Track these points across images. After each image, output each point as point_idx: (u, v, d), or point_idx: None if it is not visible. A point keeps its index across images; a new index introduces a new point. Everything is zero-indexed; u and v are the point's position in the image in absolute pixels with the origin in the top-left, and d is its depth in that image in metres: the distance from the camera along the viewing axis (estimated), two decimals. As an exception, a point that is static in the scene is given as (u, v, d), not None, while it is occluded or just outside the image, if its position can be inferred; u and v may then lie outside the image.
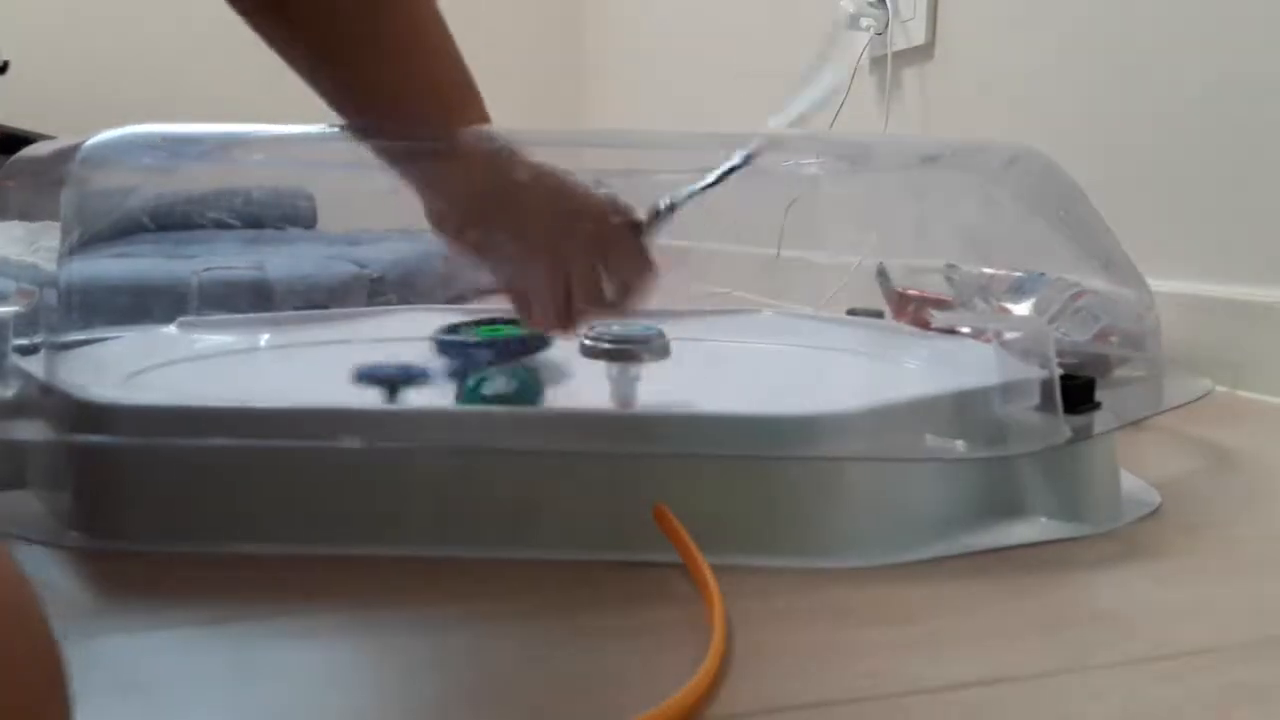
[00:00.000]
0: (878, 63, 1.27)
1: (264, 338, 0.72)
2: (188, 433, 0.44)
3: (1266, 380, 0.76)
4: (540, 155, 0.51)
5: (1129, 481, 0.51)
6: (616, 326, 0.54)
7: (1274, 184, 0.79)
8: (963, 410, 0.47)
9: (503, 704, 0.31)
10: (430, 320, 0.80)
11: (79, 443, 0.45)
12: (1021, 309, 0.68)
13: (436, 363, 0.55)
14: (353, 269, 1.08)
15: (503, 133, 0.51)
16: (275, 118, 0.57)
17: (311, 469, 0.43)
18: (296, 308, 0.79)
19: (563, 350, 0.56)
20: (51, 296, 0.51)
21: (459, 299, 0.84)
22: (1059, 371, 0.47)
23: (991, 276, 0.70)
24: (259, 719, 0.30)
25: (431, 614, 0.37)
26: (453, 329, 0.51)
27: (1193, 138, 0.85)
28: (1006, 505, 0.47)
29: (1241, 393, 0.77)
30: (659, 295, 0.52)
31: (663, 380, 0.53)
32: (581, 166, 0.52)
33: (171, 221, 0.65)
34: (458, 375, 0.53)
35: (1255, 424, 0.70)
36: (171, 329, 0.72)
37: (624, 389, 0.53)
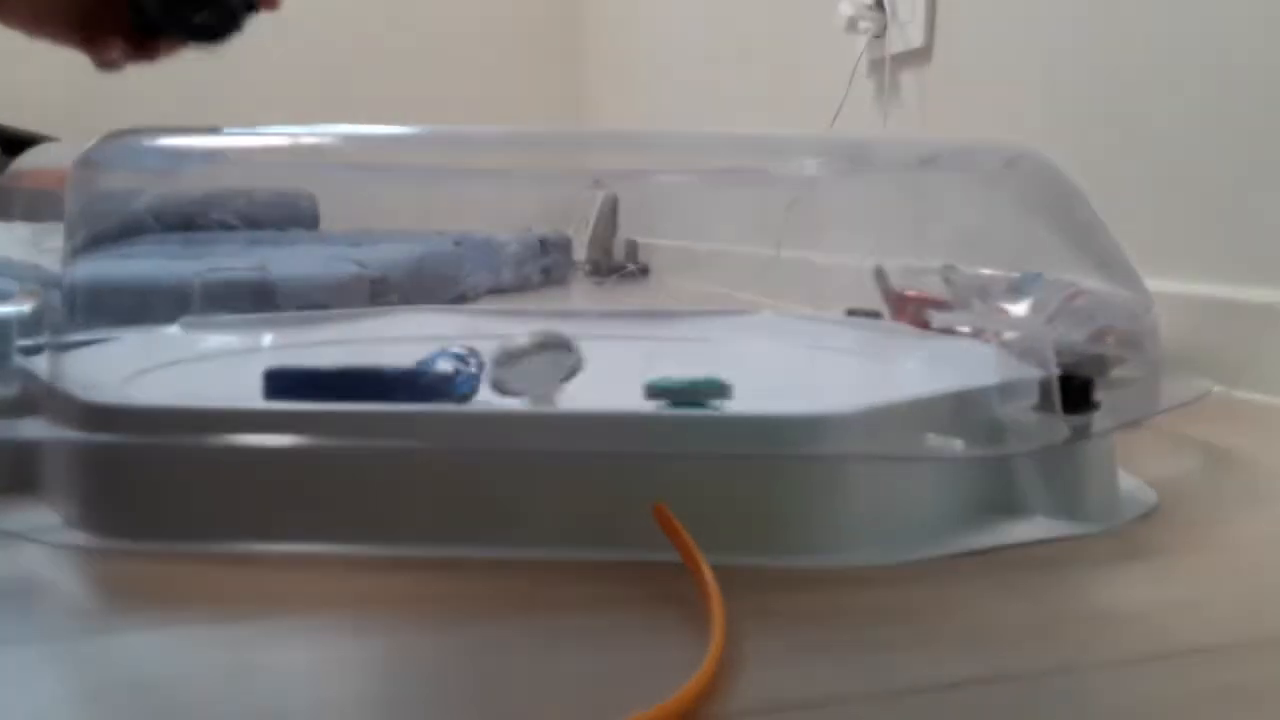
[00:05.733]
0: (876, 66, 1.27)
1: (267, 338, 0.72)
2: (191, 433, 0.44)
3: (1265, 381, 0.76)
4: (540, 155, 0.51)
5: (1127, 481, 0.52)
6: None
7: (1274, 184, 0.79)
8: (962, 410, 0.47)
9: (503, 704, 0.31)
10: (430, 320, 0.81)
11: (83, 443, 0.45)
12: (1019, 309, 0.68)
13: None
14: (354, 269, 1.08)
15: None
16: (277, 119, 0.57)
17: (312, 469, 0.44)
18: (299, 308, 0.80)
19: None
20: (55, 297, 0.51)
21: (461, 299, 0.84)
22: (1057, 372, 0.47)
23: (990, 277, 0.70)
24: (259, 719, 0.30)
25: (431, 614, 0.37)
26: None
27: (1192, 138, 0.85)
28: (1005, 505, 0.47)
29: (1240, 393, 0.77)
30: (657, 295, 0.51)
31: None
32: (582, 166, 0.52)
33: (175, 223, 0.65)
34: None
35: (1254, 424, 0.70)
36: (175, 329, 0.72)
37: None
